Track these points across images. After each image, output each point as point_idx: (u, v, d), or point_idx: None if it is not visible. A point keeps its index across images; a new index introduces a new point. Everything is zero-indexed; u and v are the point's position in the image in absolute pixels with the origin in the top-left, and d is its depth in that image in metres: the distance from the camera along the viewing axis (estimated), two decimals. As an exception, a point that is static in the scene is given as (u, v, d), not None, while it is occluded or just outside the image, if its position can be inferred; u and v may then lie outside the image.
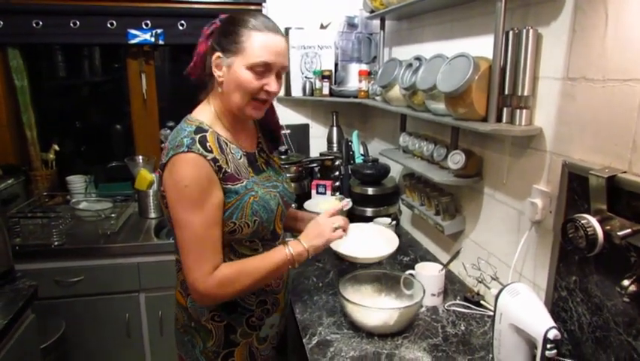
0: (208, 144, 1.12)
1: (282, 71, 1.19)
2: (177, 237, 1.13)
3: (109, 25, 2.43)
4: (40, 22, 2.36)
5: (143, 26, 2.47)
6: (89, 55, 2.89)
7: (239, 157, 1.21)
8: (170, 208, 1.12)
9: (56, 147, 2.63)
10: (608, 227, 0.96)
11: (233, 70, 1.13)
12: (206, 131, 1.15)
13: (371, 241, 1.64)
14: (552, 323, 1.02)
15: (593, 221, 0.96)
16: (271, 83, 1.16)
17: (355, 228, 1.56)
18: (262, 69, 1.13)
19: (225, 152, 1.16)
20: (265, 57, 1.12)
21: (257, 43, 1.12)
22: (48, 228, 2.16)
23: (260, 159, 1.31)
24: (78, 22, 2.39)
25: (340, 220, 1.30)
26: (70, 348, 2.15)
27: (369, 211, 2.19)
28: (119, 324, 2.21)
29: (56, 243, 2.12)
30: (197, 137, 1.11)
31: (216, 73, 1.16)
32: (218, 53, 1.14)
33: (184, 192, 1.08)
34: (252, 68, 1.12)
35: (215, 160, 1.11)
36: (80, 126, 2.97)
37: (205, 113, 1.20)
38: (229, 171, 1.14)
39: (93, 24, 2.42)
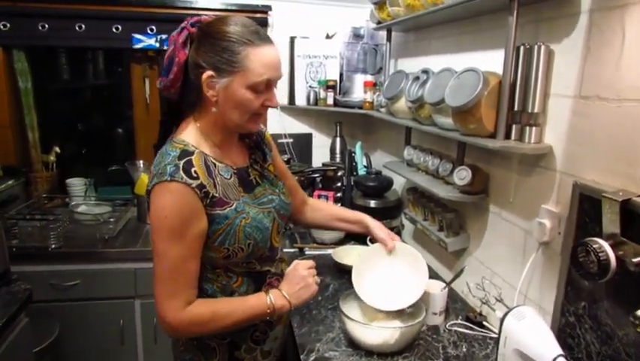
0: (193, 170, 1.05)
1: (277, 82, 1.13)
2: (154, 265, 1.08)
3: (114, 30, 2.41)
4: (46, 25, 2.34)
5: (148, 31, 2.45)
6: (93, 58, 2.89)
7: (228, 177, 1.14)
8: (150, 236, 1.07)
9: (57, 149, 2.61)
10: (621, 252, 0.92)
11: (231, 90, 1.05)
12: (192, 153, 1.07)
13: (399, 278, 1.42)
14: (560, 351, 0.98)
15: (606, 246, 0.93)
16: (272, 98, 1.11)
17: (383, 259, 1.44)
18: (263, 87, 1.08)
19: (213, 174, 1.10)
20: (267, 74, 1.06)
21: (257, 62, 1.04)
22: (46, 230, 2.12)
23: (253, 172, 1.25)
24: (83, 26, 2.38)
25: (314, 271, 1.24)
26: (64, 352, 2.11)
27: (371, 224, 2.16)
28: (114, 329, 2.18)
29: (53, 246, 2.09)
30: (182, 163, 1.04)
31: (209, 93, 1.06)
32: (209, 72, 1.04)
33: (163, 222, 1.03)
34: (252, 87, 1.05)
35: (201, 187, 1.05)
36: (81, 129, 2.96)
37: (190, 133, 1.12)
38: (217, 195, 1.08)
39: (98, 28, 2.40)
